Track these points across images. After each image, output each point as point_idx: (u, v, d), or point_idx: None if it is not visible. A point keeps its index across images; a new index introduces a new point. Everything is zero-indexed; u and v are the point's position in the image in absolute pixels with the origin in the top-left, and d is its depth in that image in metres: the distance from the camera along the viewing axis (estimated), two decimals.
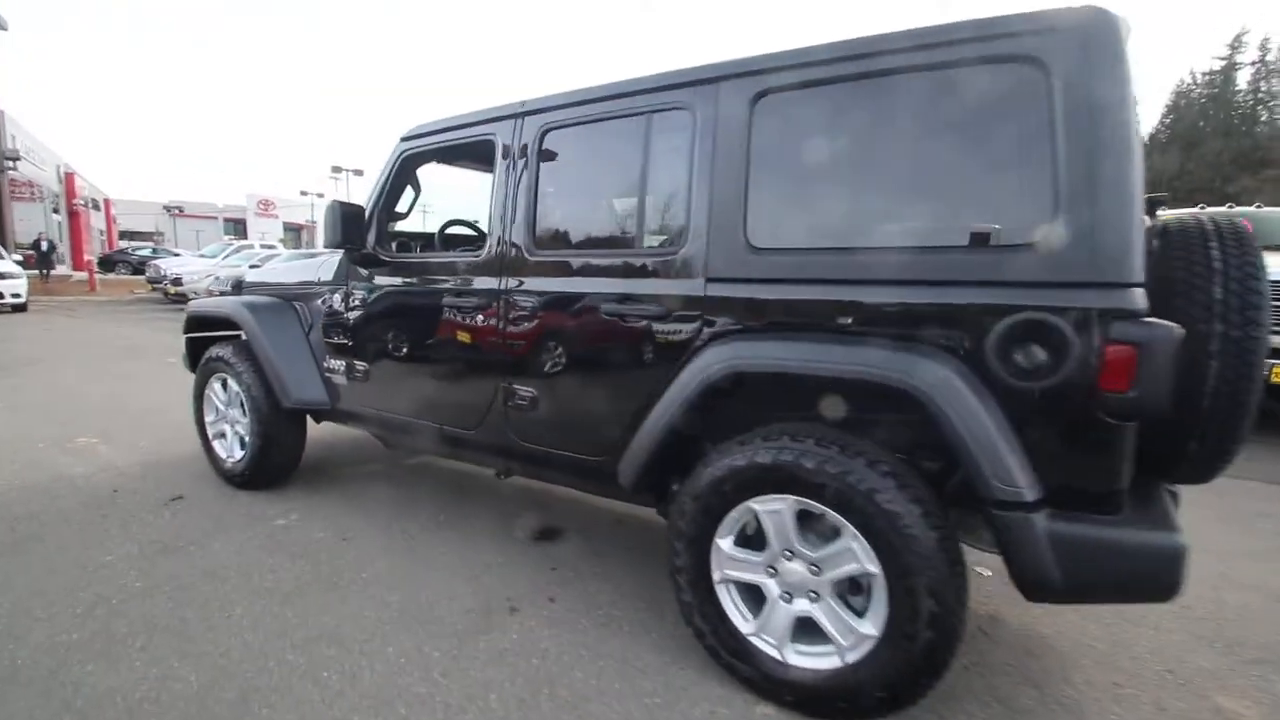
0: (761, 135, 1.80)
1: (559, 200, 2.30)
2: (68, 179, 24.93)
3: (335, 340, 3.01)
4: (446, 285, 2.54)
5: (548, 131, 2.25)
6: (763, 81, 1.80)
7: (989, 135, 1.56)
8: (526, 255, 2.28)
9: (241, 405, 3.27)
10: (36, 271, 18.82)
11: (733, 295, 1.83)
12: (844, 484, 1.58)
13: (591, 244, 2.23)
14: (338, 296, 2.97)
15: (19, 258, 15.51)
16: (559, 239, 2.29)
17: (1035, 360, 1.46)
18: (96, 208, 31.23)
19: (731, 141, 1.84)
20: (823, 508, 1.63)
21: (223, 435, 3.45)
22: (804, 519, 1.71)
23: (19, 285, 13.34)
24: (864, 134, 1.72)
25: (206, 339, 3.56)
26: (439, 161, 2.97)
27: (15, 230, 21.58)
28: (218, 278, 13.80)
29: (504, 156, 2.36)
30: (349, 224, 2.68)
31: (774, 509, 1.71)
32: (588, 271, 2.13)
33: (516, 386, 2.31)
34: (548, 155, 2.25)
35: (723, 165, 1.85)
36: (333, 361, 3.02)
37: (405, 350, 2.75)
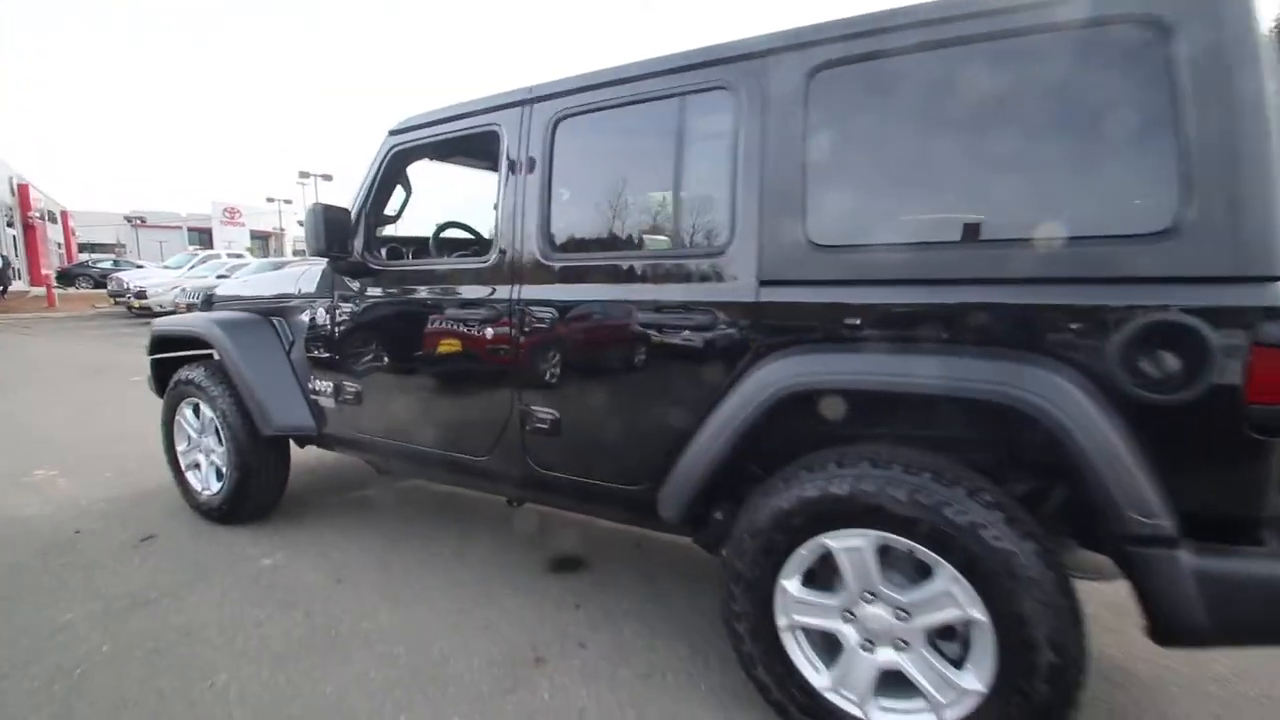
0: (822, 115, 1.56)
1: (579, 197, 2.04)
2: (21, 190, 23.89)
3: (321, 359, 2.71)
4: (447, 296, 2.27)
5: (562, 120, 1.99)
6: (821, 53, 1.57)
7: (1104, 106, 1.34)
8: (542, 260, 2.02)
9: (217, 432, 2.96)
10: None
11: (792, 300, 1.59)
12: (941, 518, 1.35)
13: (618, 246, 1.98)
14: (322, 310, 2.67)
15: None
16: (579, 241, 2.03)
17: (1168, 369, 1.25)
18: (54, 220, 30.05)
19: (785, 124, 1.60)
20: (913, 545, 1.40)
21: (197, 466, 3.13)
22: (887, 553, 1.48)
23: None
24: (942, 111, 1.49)
25: (174, 360, 3.23)
26: (433, 158, 2.69)
27: None
28: (184, 290, 13.26)
29: (511, 150, 2.09)
30: (334, 229, 2.39)
31: (852, 546, 1.48)
32: (615, 277, 1.88)
33: (535, 408, 2.05)
34: (563, 146, 1.99)
35: (775, 151, 1.61)
36: (318, 382, 2.72)
37: (402, 369, 2.47)
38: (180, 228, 46.35)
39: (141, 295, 14.61)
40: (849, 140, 1.56)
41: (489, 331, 2.12)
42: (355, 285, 2.56)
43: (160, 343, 3.19)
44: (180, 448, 3.18)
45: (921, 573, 1.45)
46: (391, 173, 2.52)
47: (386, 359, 2.49)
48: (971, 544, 1.33)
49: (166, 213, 47.60)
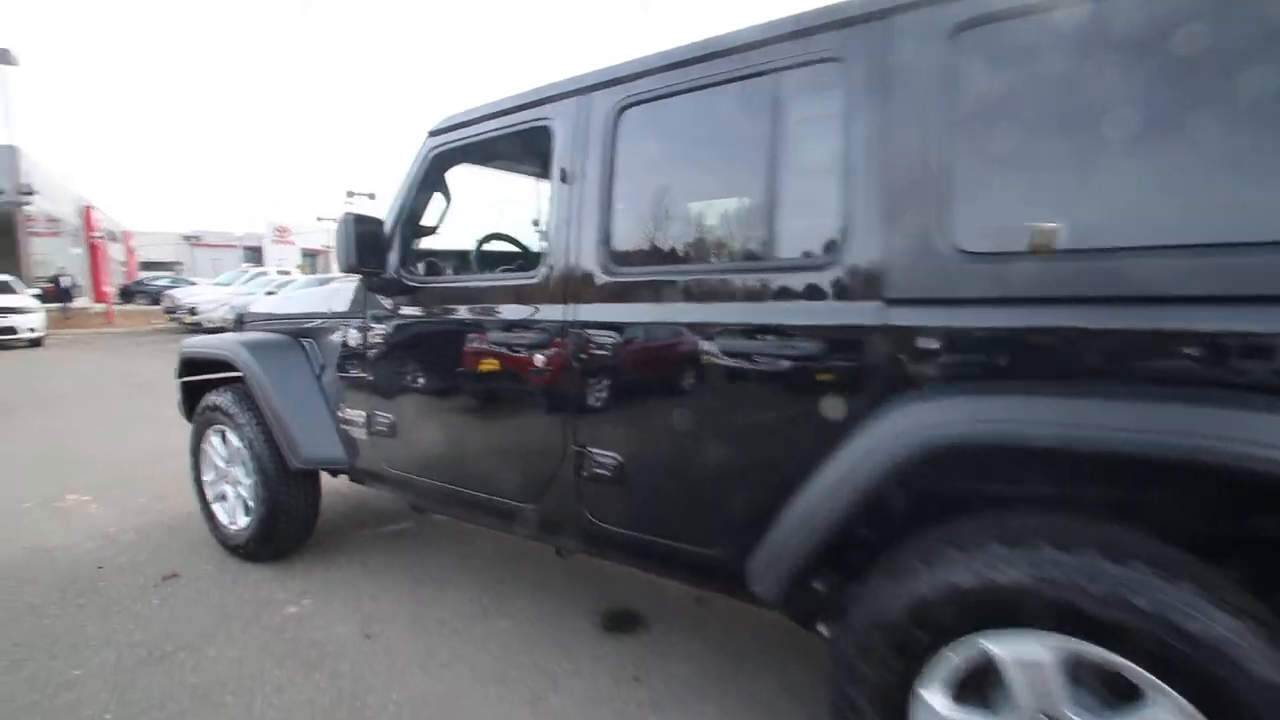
0: (972, 84, 1.22)
1: (646, 200, 1.72)
2: (86, 212, 25.03)
3: (351, 385, 2.46)
4: (490, 316, 1.98)
5: (626, 109, 1.69)
6: (967, 8, 1.22)
7: None
8: (601, 275, 1.71)
9: (244, 463, 2.73)
10: (57, 306, 18.79)
11: (934, 325, 1.24)
12: (1168, 627, 0.98)
13: (693, 257, 1.66)
14: (354, 332, 2.42)
15: (37, 292, 15.36)
16: (646, 252, 1.71)
17: None
18: (116, 240, 31.46)
19: (918, 98, 1.26)
20: (1122, 661, 1.03)
21: (224, 497, 2.92)
22: (1074, 663, 1.10)
23: (36, 320, 13.16)
24: (1173, 61, 1.11)
25: (204, 383, 3.04)
26: (476, 162, 2.43)
27: (34, 265, 21.64)
28: (232, 306, 13.50)
29: (565, 147, 1.80)
30: (366, 243, 2.14)
31: (1027, 656, 1.11)
32: (690, 295, 1.56)
33: (593, 450, 1.73)
34: (629, 140, 1.69)
35: (903, 134, 1.27)
36: (349, 411, 2.47)
37: (439, 399, 2.19)
38: (235, 246, 48.08)
39: (193, 311, 14.95)
40: (1015, 114, 1.21)
41: (538, 358, 1.82)
42: (389, 304, 2.30)
43: (189, 365, 3.00)
44: (207, 478, 2.97)
45: (1123, 691, 1.07)
46: (431, 178, 2.26)
47: (422, 387, 2.21)
48: (1212, 665, 0.95)
49: (221, 232, 49.50)
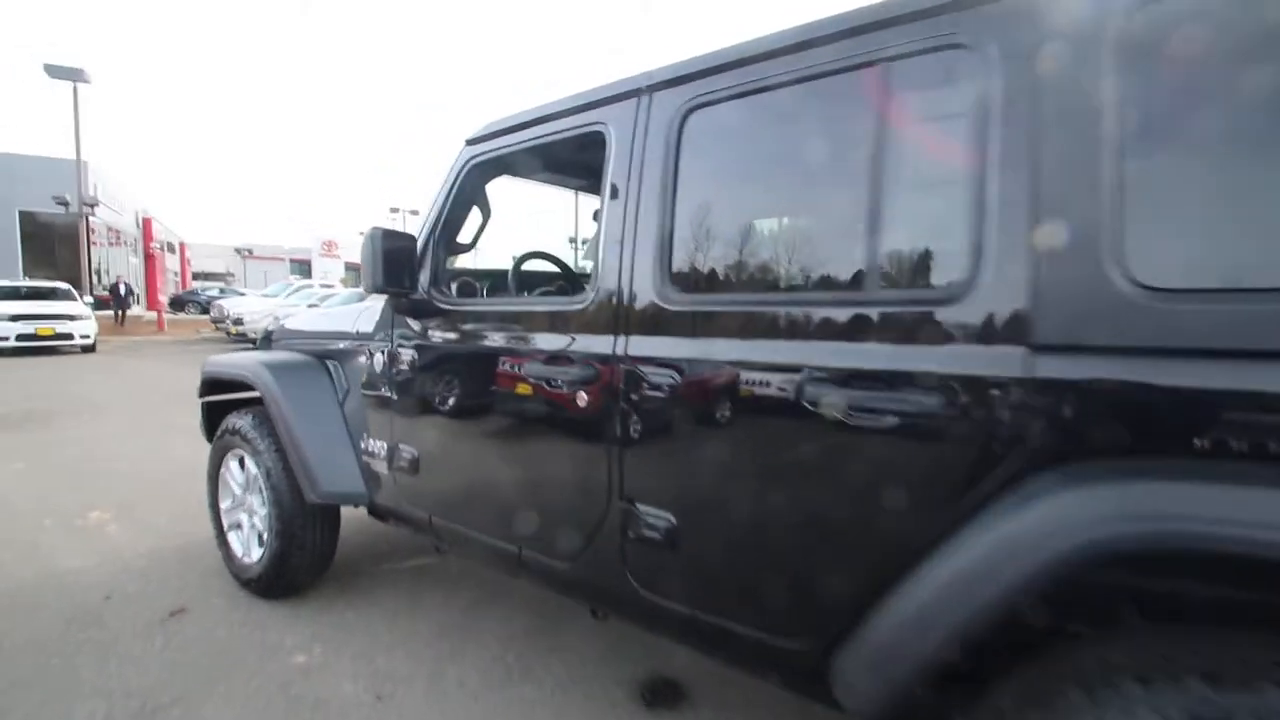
0: (1154, 71, 0.94)
1: (715, 216, 1.47)
2: (145, 224, 26.10)
3: (375, 414, 2.26)
4: (527, 345, 1.75)
5: (695, 111, 1.45)
6: None
7: None
8: (660, 303, 1.46)
9: (261, 492, 2.55)
10: (113, 313, 19.49)
11: (1099, 380, 0.95)
12: None
13: (776, 285, 1.39)
14: (379, 356, 2.22)
15: (90, 299, 15.93)
16: (715, 278, 1.45)
17: None
18: (172, 250, 32.75)
19: (1076, 92, 0.99)
20: None
21: (239, 526, 2.74)
22: None
23: (88, 327, 13.57)
24: None
25: (227, 404, 2.89)
26: (518, 174, 2.23)
27: (97, 273, 22.61)
28: (276, 317, 13.73)
29: (620, 155, 1.57)
30: (395, 260, 1.94)
31: None
32: (770, 329, 1.30)
33: (642, 509, 1.47)
34: (696, 147, 1.45)
35: (1059, 134, 0.99)
36: (371, 441, 2.26)
37: (468, 435, 1.96)
38: (284, 259, 49.66)
39: (239, 321, 15.27)
40: (1219, 102, 0.92)
41: (581, 396, 1.57)
42: (417, 327, 2.09)
43: (211, 384, 2.85)
44: (224, 505, 2.80)
45: None
46: (468, 191, 2.06)
47: (449, 420, 1.99)
48: None
49: (272, 245, 51.26)
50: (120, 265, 26.65)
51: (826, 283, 1.30)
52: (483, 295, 2.27)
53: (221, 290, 29.05)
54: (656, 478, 1.45)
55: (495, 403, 1.84)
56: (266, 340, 3.00)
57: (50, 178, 20.67)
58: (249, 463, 2.61)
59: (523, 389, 1.74)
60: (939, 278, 1.14)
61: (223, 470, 2.78)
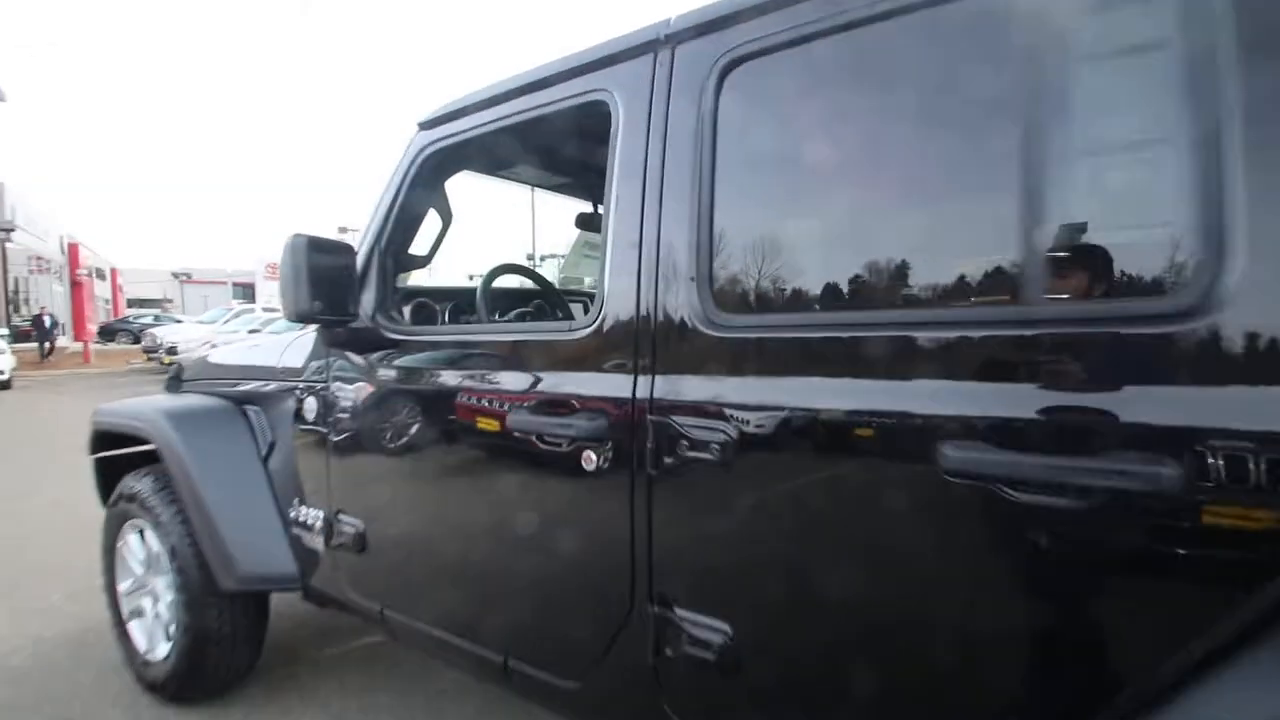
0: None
1: (779, 203, 1.08)
2: (71, 249, 24.43)
3: (308, 475, 1.78)
4: (510, 388, 1.32)
5: (736, 66, 1.06)
6: None
7: None
8: (700, 327, 1.06)
9: (166, 573, 2.03)
10: (37, 345, 18.02)
11: None
12: None
13: (874, 297, 0.99)
14: (312, 400, 1.75)
15: (5, 331, 14.65)
16: (782, 290, 1.06)
17: None
18: (102, 277, 30.83)
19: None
20: None
21: (141, 614, 2.19)
22: None
23: (2, 362, 12.40)
24: None
25: (126, 460, 2.34)
26: (485, 168, 1.80)
27: (19, 303, 20.96)
28: (213, 345, 12.82)
29: (634, 132, 1.16)
30: (327, 278, 1.48)
31: None
32: (868, 363, 0.91)
33: (682, 614, 1.05)
34: (738, 111, 1.05)
35: None
36: (305, 511, 1.78)
37: (431, 504, 1.52)
38: (226, 283, 47.49)
39: (173, 351, 14.25)
40: None
41: (588, 456, 1.15)
42: (361, 362, 1.63)
43: (103, 439, 2.30)
44: (122, 586, 2.25)
45: None
46: (423, 189, 1.63)
47: (406, 485, 1.54)
48: None
49: (213, 269, 48.99)
50: (45, 294, 24.84)
51: (952, 292, 0.91)
52: (444, 321, 1.82)
53: (156, 317, 27.37)
54: (703, 573, 1.05)
55: (468, 462, 1.40)
56: (175, 381, 2.47)
57: None
58: (150, 536, 2.08)
59: (504, 444, 1.30)
60: (1152, 281, 0.76)
61: (119, 544, 2.24)
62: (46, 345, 18.34)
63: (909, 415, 0.85)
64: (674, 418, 1.05)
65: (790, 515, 0.97)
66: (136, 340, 22.68)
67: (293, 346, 1.88)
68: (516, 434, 1.27)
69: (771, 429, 0.97)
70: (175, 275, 46.53)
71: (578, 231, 2.39)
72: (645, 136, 1.14)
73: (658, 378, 1.09)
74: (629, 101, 1.18)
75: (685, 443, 1.03)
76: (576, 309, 2.29)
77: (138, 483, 2.09)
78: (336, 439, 1.69)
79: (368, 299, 1.60)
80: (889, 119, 1.01)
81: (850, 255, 1.03)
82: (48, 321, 18.89)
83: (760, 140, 1.09)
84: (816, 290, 1.04)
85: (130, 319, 28.29)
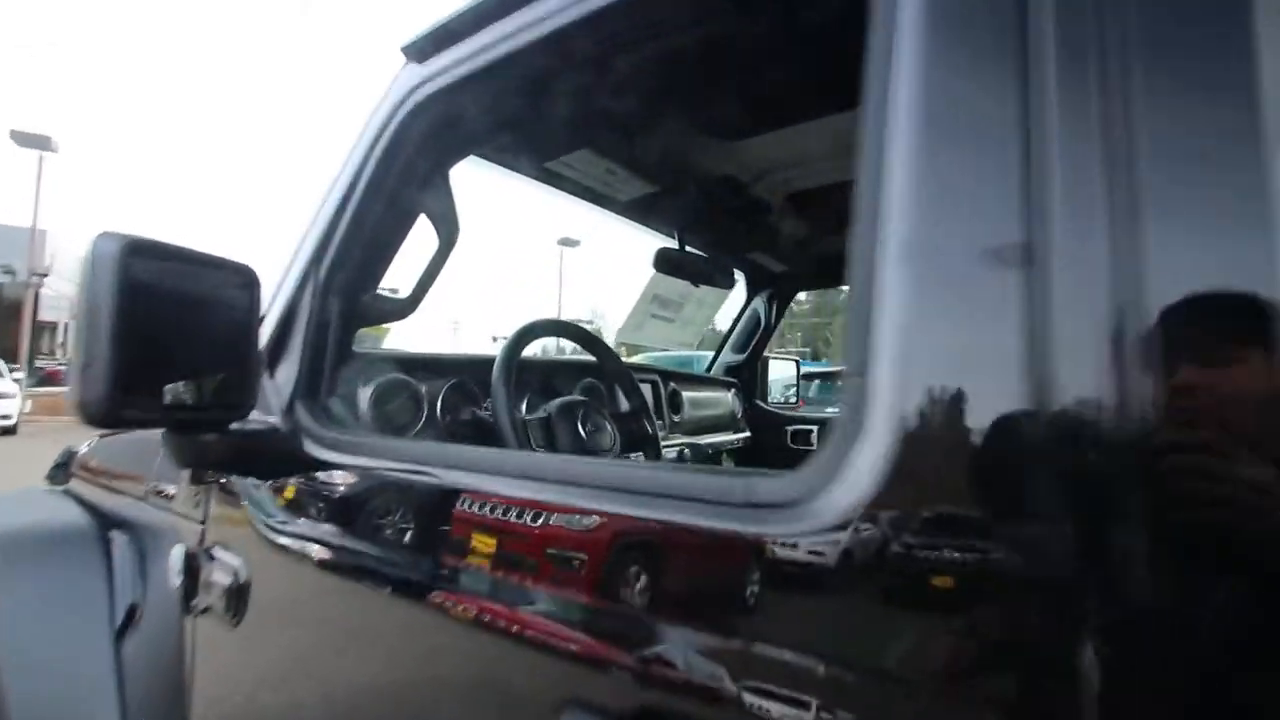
0: None
1: None
2: None
3: (173, 681, 0.96)
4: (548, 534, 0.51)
5: None
6: None
7: None
8: None
9: None
10: (63, 390, 17.93)
11: None
12: None
13: None
14: (183, 554, 0.94)
15: (21, 374, 14.41)
16: None
17: None
18: None
19: None
20: None
21: None
22: None
23: (9, 406, 12.09)
24: None
25: None
26: (527, 151, 1.02)
27: (54, 346, 20.95)
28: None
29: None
30: (179, 329, 0.69)
31: None
32: None
33: None
34: None
35: None
36: None
37: None
38: None
39: None
40: None
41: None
42: (269, 499, 0.83)
43: None
44: None
45: None
46: (406, 171, 0.86)
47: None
48: None
49: None
50: None
51: None
52: (437, 416, 1.02)
53: None
54: None
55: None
56: (60, 470, 1.68)
57: (2, 246, 19.52)
58: None
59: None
60: None
61: None
62: None
63: None
64: None
65: None
66: None
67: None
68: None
69: None
70: None
71: (651, 277, 1.63)
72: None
73: None
74: None
75: None
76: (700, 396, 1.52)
77: None
78: (238, 617, 0.87)
79: (284, 375, 0.81)
80: None
81: None
82: None
83: None
84: None
85: None
